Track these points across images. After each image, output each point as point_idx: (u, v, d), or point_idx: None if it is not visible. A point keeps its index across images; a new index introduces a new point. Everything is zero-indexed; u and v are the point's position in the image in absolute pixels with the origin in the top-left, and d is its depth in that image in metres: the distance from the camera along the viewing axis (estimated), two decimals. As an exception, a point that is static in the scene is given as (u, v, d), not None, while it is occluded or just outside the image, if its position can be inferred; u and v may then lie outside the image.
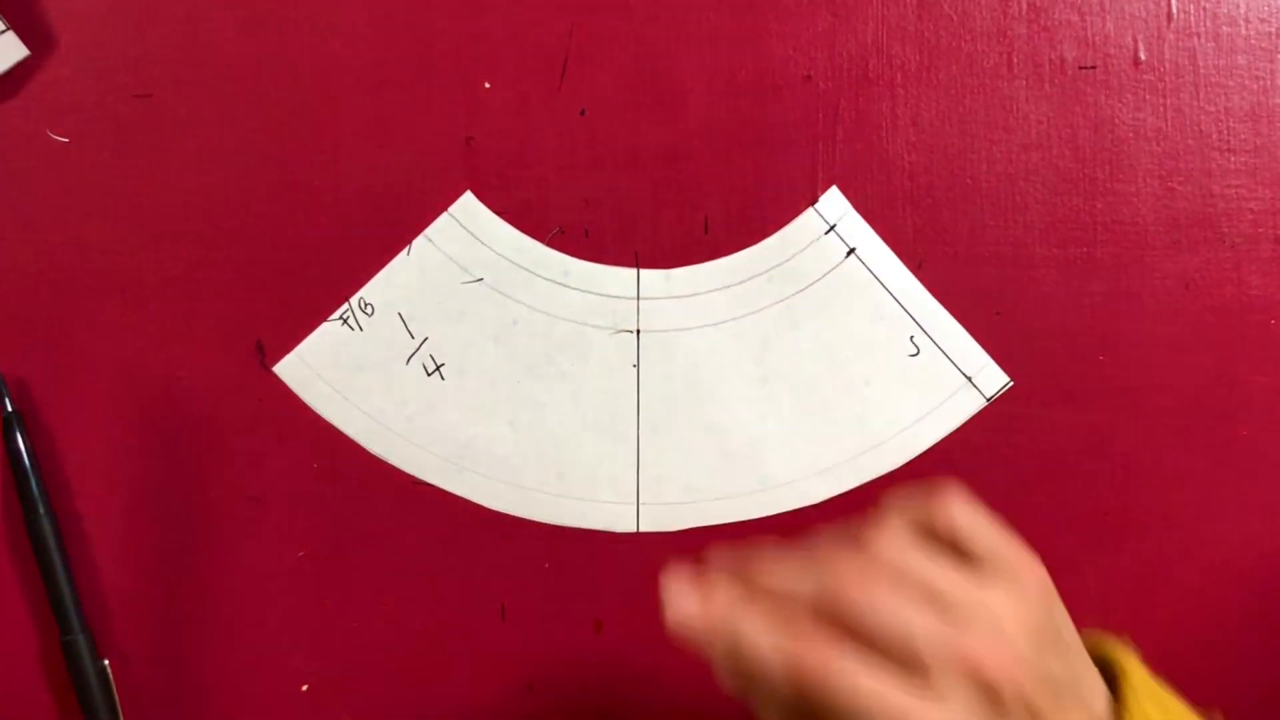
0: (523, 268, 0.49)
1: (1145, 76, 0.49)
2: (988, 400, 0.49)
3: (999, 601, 0.35)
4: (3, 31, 0.49)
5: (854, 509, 0.45)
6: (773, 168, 0.49)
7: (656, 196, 0.49)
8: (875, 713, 0.33)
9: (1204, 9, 0.49)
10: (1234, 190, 0.49)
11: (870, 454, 0.49)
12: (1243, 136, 0.49)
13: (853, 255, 0.49)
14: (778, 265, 0.49)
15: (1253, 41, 0.49)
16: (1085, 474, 0.49)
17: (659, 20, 0.49)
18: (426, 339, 0.49)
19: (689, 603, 0.36)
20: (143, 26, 0.50)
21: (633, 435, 0.49)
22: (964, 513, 0.36)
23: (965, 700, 0.34)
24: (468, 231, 0.49)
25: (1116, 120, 0.49)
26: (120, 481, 0.50)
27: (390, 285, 0.49)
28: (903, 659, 0.34)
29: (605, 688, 0.50)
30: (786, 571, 0.36)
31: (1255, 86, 0.49)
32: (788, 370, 0.49)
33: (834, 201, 0.49)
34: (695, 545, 0.50)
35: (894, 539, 0.36)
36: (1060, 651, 0.36)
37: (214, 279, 0.50)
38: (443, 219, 0.49)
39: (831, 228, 0.49)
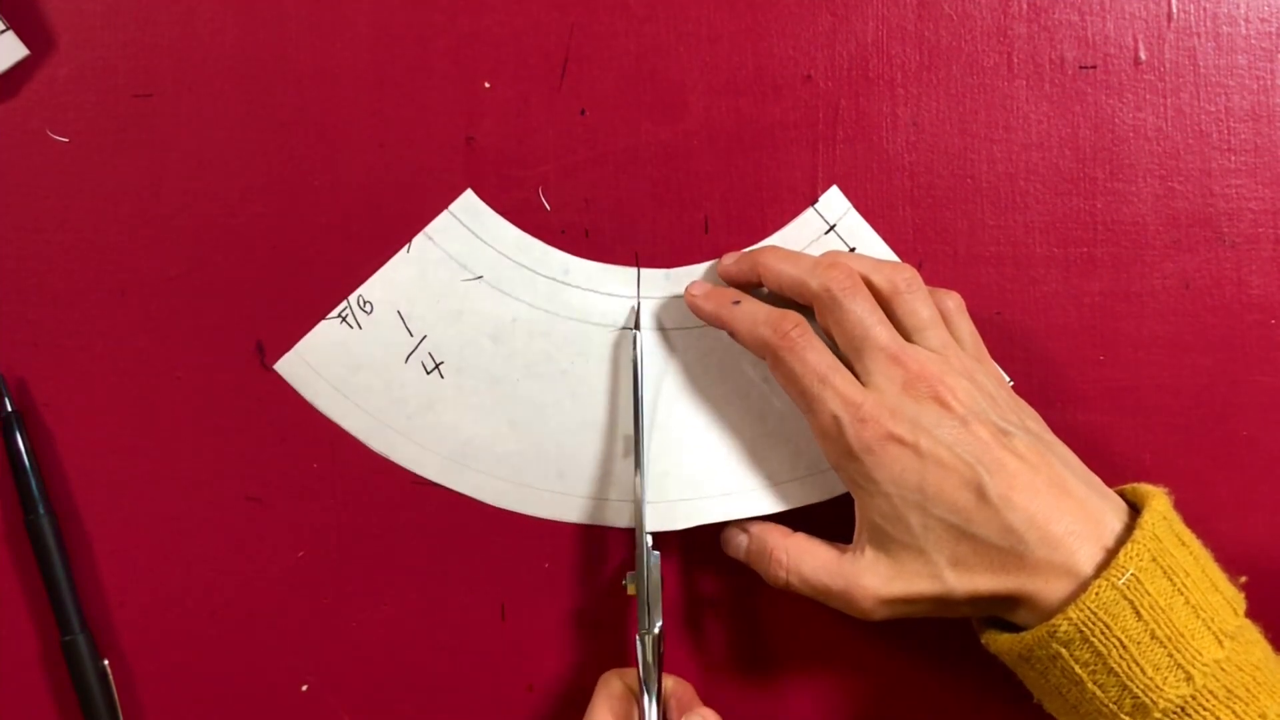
0: (523, 266, 0.49)
1: (1145, 76, 0.49)
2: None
3: (950, 349, 0.44)
4: (3, 31, 0.49)
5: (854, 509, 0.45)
6: (773, 168, 0.49)
7: (656, 196, 0.49)
8: (811, 378, 0.44)
9: (1204, 9, 0.49)
10: (1234, 190, 0.49)
11: (870, 454, 0.49)
12: (1243, 136, 0.49)
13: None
14: (778, 265, 0.49)
15: (1253, 41, 0.49)
16: (1085, 474, 0.49)
17: (659, 20, 0.49)
18: (425, 337, 0.49)
19: (700, 294, 0.48)
20: (143, 26, 0.50)
21: (633, 433, 0.49)
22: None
23: (898, 399, 0.42)
24: (468, 229, 0.49)
25: (1116, 120, 0.49)
26: (120, 481, 0.50)
27: (389, 283, 0.49)
28: (852, 352, 0.44)
29: (605, 688, 0.50)
30: (791, 259, 0.46)
31: (1255, 86, 0.49)
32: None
33: (834, 201, 0.49)
34: (697, 544, 0.50)
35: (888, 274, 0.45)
36: (1019, 412, 0.45)
37: (214, 279, 0.50)
38: (443, 217, 0.49)
39: (831, 228, 0.49)
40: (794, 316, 0.45)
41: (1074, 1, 0.49)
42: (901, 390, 0.43)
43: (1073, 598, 0.40)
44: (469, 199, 0.49)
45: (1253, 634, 0.41)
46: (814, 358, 0.44)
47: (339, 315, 0.49)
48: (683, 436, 0.49)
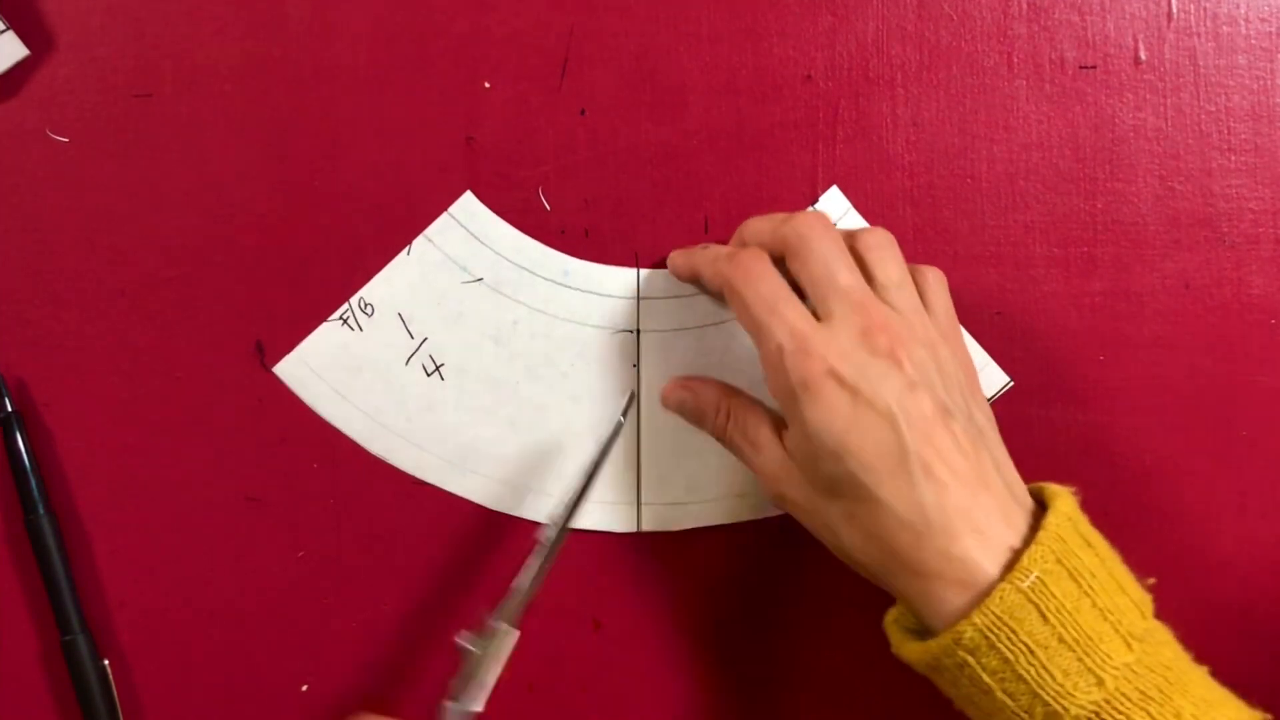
0: (523, 268, 0.49)
1: (1145, 76, 0.49)
2: (988, 400, 0.49)
3: (918, 315, 0.43)
4: (3, 31, 0.49)
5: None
6: (773, 168, 0.49)
7: (656, 196, 0.49)
8: (761, 306, 0.42)
9: (1204, 9, 0.49)
10: (1234, 190, 0.49)
11: (870, 454, 0.49)
12: (1243, 136, 0.49)
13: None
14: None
15: (1253, 41, 0.49)
16: (1085, 474, 0.49)
17: (659, 20, 0.49)
18: (426, 339, 0.49)
19: (677, 259, 0.48)
20: (143, 26, 0.50)
21: (633, 435, 0.49)
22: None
23: (852, 344, 0.41)
24: (468, 231, 0.49)
25: (1116, 120, 0.49)
26: (120, 481, 0.50)
27: (390, 285, 0.49)
28: (818, 297, 0.42)
29: (605, 688, 0.50)
30: (767, 218, 0.46)
31: (1255, 86, 0.49)
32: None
33: (834, 201, 0.49)
34: (696, 545, 0.50)
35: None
36: (970, 400, 0.42)
37: (214, 279, 0.50)
38: (443, 219, 0.49)
39: (831, 228, 0.49)
40: (754, 250, 0.44)
41: (1074, 1, 0.49)
42: (859, 336, 0.41)
43: (976, 602, 0.38)
44: (468, 201, 0.49)
45: (1163, 635, 0.40)
46: (766, 287, 0.43)
47: (340, 317, 0.49)
48: (682, 439, 0.49)
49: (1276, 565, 0.49)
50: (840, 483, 0.41)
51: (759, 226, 0.46)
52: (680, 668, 0.50)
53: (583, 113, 0.49)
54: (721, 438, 0.46)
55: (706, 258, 0.46)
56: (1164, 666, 0.38)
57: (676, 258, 0.48)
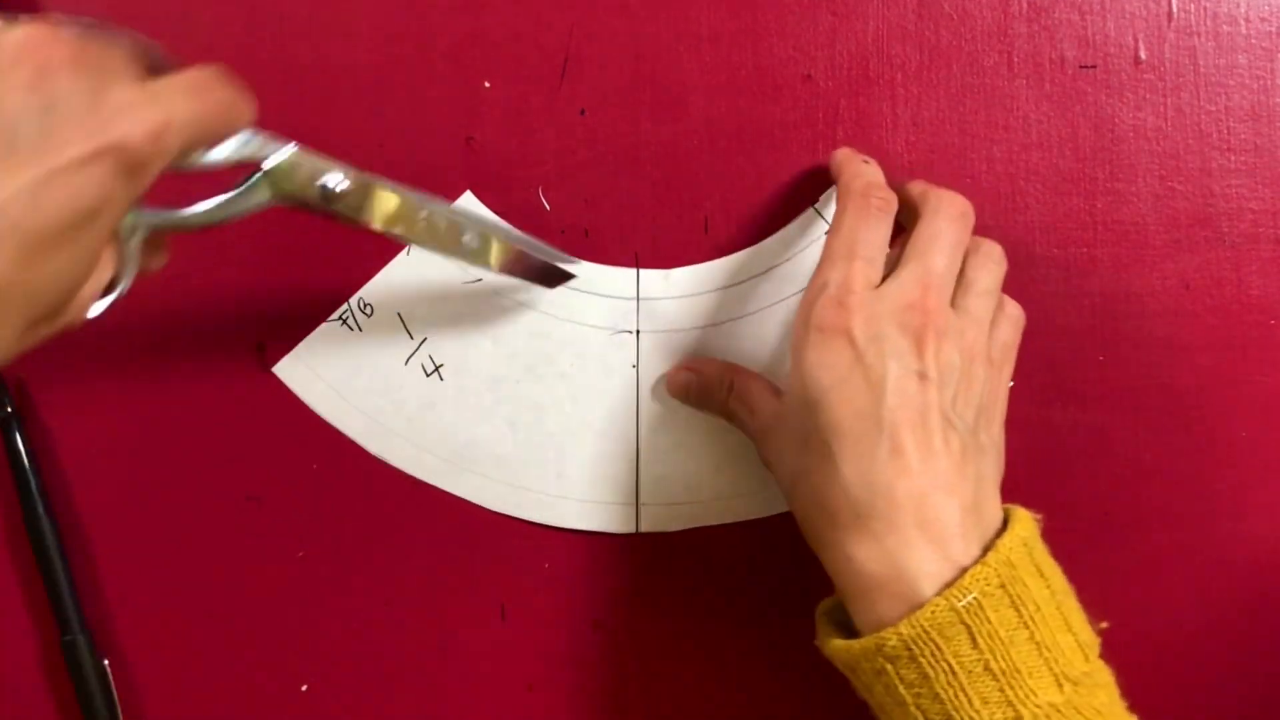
0: (522, 268, 0.49)
1: (1145, 76, 0.49)
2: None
3: (977, 327, 0.42)
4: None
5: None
6: (773, 168, 0.49)
7: (656, 196, 0.49)
8: (847, 243, 0.42)
9: (1204, 8, 0.49)
10: (1234, 190, 0.49)
11: (870, 454, 0.49)
12: (1243, 136, 0.49)
13: None
14: (777, 265, 0.49)
15: (1253, 41, 0.49)
16: (1085, 474, 0.49)
17: (659, 20, 0.49)
18: (425, 339, 0.49)
19: (844, 153, 0.47)
20: (143, 26, 0.49)
21: (632, 436, 0.49)
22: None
23: (888, 314, 0.40)
24: (467, 231, 0.49)
25: (1116, 120, 0.49)
26: (120, 481, 0.50)
27: (390, 286, 0.49)
28: (905, 259, 0.42)
29: (605, 688, 0.50)
30: (929, 189, 0.45)
31: (1255, 86, 0.49)
32: (787, 371, 0.49)
33: (834, 202, 0.49)
34: (695, 546, 0.50)
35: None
36: (983, 425, 0.41)
37: (215, 280, 0.50)
38: (443, 219, 0.49)
39: (831, 228, 0.49)
40: (886, 202, 0.43)
41: (1074, 1, 0.49)
42: (900, 308, 0.40)
43: (907, 612, 0.37)
44: (468, 201, 0.49)
45: (1102, 677, 0.38)
46: (867, 234, 0.42)
47: (339, 317, 0.49)
48: (681, 439, 0.49)
49: (1276, 565, 0.49)
50: (810, 436, 0.40)
51: (921, 185, 0.46)
52: (680, 668, 0.50)
53: (583, 113, 0.49)
54: (724, 410, 0.47)
55: (854, 172, 0.45)
56: (1094, 711, 0.37)
57: (845, 154, 0.47)
